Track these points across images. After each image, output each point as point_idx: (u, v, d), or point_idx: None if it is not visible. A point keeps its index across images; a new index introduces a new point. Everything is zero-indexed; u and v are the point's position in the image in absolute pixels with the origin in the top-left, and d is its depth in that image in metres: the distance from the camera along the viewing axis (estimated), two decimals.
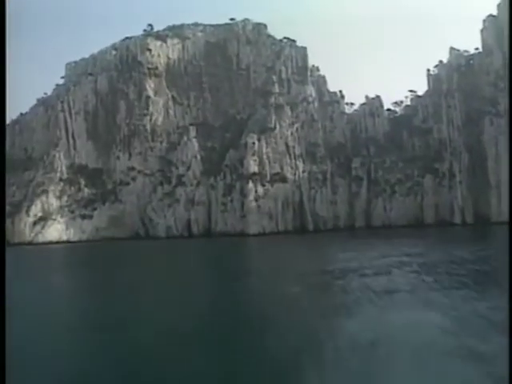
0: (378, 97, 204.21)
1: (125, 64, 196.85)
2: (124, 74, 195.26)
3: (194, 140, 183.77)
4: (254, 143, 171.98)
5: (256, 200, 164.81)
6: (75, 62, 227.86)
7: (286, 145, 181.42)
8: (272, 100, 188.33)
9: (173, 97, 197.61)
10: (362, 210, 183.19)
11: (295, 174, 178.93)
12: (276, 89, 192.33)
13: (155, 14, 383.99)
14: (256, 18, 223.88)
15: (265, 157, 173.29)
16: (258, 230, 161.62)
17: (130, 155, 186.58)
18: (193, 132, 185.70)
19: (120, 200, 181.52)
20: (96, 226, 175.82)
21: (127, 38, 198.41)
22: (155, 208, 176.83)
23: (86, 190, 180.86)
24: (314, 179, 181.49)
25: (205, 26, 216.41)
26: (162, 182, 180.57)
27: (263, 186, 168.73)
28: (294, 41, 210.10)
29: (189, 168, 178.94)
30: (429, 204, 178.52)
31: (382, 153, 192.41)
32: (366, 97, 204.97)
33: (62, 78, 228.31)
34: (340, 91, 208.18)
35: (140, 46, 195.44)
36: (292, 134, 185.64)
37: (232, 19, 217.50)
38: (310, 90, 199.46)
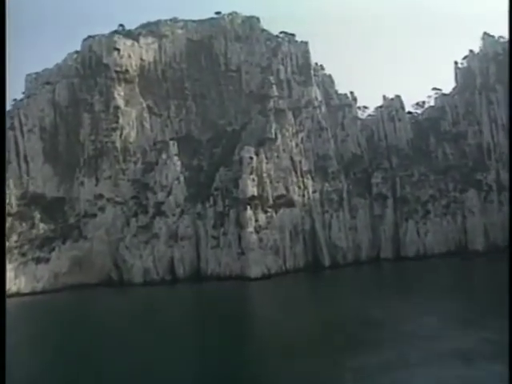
0: (397, 97, 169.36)
1: (87, 68, 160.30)
2: (87, 81, 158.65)
3: (175, 158, 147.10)
4: (251, 158, 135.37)
5: (257, 231, 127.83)
6: (36, 73, 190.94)
7: (291, 159, 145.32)
8: (270, 105, 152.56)
9: (148, 106, 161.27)
10: (389, 237, 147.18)
11: (304, 196, 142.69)
12: (274, 92, 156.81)
13: (127, 14, 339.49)
14: (246, 12, 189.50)
15: (265, 175, 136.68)
16: (260, 272, 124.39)
17: (97, 180, 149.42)
18: (174, 148, 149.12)
19: (85, 237, 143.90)
20: (55, 272, 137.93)
21: (90, 36, 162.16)
22: (129, 245, 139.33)
23: (42, 226, 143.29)
24: (328, 200, 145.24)
25: (185, 21, 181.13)
26: (137, 212, 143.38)
27: (265, 212, 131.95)
28: (292, 35, 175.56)
29: (169, 193, 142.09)
30: (474, 225, 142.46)
31: (407, 164, 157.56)
32: (384, 97, 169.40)
33: (23, 93, 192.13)
34: (351, 93, 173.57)
35: (106, 45, 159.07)
36: (297, 145, 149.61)
37: (218, 13, 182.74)
38: (315, 92, 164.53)
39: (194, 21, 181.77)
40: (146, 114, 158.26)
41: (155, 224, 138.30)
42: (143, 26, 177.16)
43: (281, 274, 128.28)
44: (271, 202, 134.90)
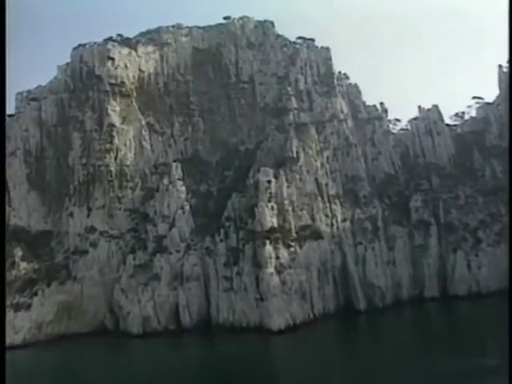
0: (435, 107, 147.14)
1: (78, 81, 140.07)
2: (78, 96, 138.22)
3: (179, 183, 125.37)
4: (268, 182, 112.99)
5: (278, 272, 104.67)
6: (28, 91, 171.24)
7: (316, 181, 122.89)
8: (290, 118, 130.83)
9: (148, 124, 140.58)
10: (434, 272, 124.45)
11: (332, 225, 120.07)
12: (293, 104, 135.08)
13: (127, 23, 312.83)
14: (259, 16, 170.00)
15: (286, 202, 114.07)
16: (284, 322, 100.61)
17: (89, 210, 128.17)
18: (178, 171, 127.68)
19: (74, 277, 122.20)
20: (37, 321, 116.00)
21: (80, 45, 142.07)
22: (125, 288, 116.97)
23: (24, 266, 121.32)
24: (360, 230, 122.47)
25: (190, 28, 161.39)
26: (135, 248, 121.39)
27: (287, 247, 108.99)
28: (312, 40, 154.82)
29: (173, 225, 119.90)
30: None
31: (450, 185, 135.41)
32: (419, 108, 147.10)
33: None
34: (381, 103, 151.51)
35: (98, 54, 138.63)
36: (322, 165, 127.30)
37: (227, 18, 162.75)
38: (340, 104, 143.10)
39: (199, 27, 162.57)
40: (145, 133, 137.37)
41: (156, 262, 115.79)
42: (142, 34, 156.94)
43: (308, 322, 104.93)
44: (294, 234, 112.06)
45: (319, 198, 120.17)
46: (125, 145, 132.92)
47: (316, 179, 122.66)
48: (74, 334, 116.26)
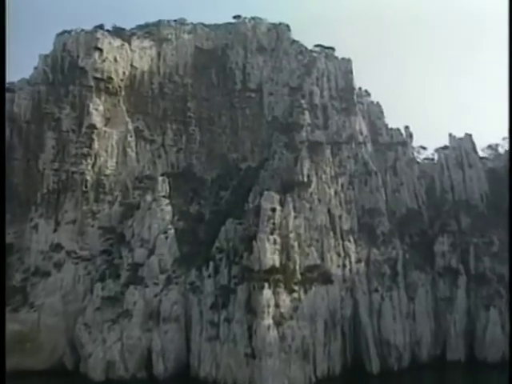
0: (468, 136, 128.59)
1: (59, 73, 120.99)
2: (56, 89, 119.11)
3: (164, 201, 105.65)
4: (273, 210, 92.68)
5: (277, 323, 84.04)
6: (11, 83, 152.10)
7: (329, 212, 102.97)
8: (302, 135, 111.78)
9: (137, 129, 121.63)
10: (461, 331, 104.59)
11: (345, 267, 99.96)
12: (306, 119, 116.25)
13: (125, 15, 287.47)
14: (273, 18, 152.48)
15: (292, 235, 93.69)
16: None
17: (57, 224, 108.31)
18: (164, 187, 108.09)
19: (31, 304, 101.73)
20: None
21: (65, 31, 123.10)
22: (89, 323, 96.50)
23: None
24: (377, 274, 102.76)
25: (194, 25, 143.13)
26: (105, 276, 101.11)
27: (290, 292, 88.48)
28: (331, 49, 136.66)
29: (152, 252, 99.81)
30: None
31: (482, 227, 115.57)
32: (450, 136, 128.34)
33: None
34: (406, 127, 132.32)
35: (84, 43, 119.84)
36: (336, 193, 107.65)
37: (236, 17, 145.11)
38: (360, 124, 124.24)
39: (205, 25, 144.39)
40: (131, 139, 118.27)
41: (128, 296, 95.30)
42: (140, 27, 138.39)
43: None
44: (299, 275, 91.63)
45: (331, 233, 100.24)
46: (106, 151, 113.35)
47: (328, 210, 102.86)
48: (26, 371, 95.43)
